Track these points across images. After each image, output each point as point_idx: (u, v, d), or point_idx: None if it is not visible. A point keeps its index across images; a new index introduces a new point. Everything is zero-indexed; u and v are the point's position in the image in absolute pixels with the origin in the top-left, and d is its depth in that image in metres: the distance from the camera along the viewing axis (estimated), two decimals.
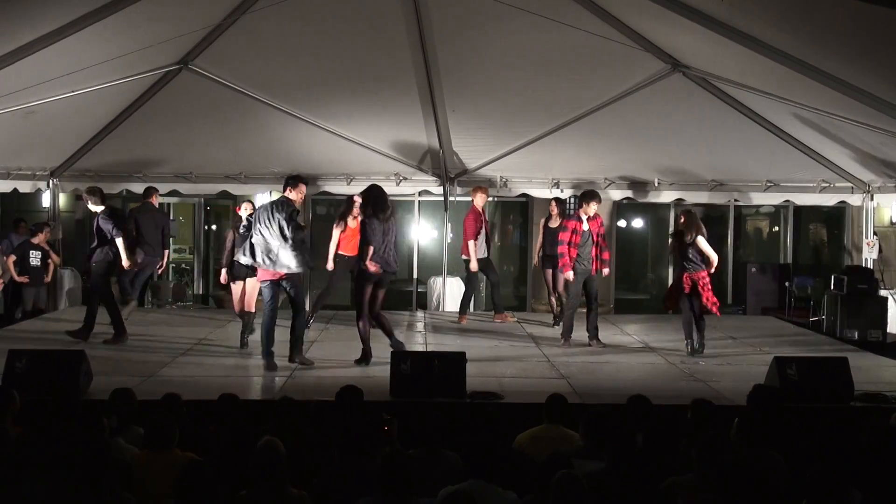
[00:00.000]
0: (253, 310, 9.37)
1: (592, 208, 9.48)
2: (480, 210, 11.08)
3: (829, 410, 6.76)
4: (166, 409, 5.39)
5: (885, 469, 4.59)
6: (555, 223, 11.07)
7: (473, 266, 10.91)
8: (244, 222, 9.10)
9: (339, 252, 10.08)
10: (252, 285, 9.16)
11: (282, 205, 8.12)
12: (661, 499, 4.25)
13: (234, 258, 8.86)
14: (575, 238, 9.35)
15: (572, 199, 12.80)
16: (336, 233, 10.12)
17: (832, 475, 3.93)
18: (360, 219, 9.09)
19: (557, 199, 11.44)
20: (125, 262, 9.39)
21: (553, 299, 11.31)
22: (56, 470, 4.17)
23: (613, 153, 12.06)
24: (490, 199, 13.91)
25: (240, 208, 9.55)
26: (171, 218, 15.70)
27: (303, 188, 8.34)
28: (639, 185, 12.49)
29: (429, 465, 4.69)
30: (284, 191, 8.31)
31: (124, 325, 9.44)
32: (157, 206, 11.17)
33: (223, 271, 9.37)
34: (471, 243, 10.81)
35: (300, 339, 8.35)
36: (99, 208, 9.43)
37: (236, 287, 9.40)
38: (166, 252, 10.99)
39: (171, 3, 8.85)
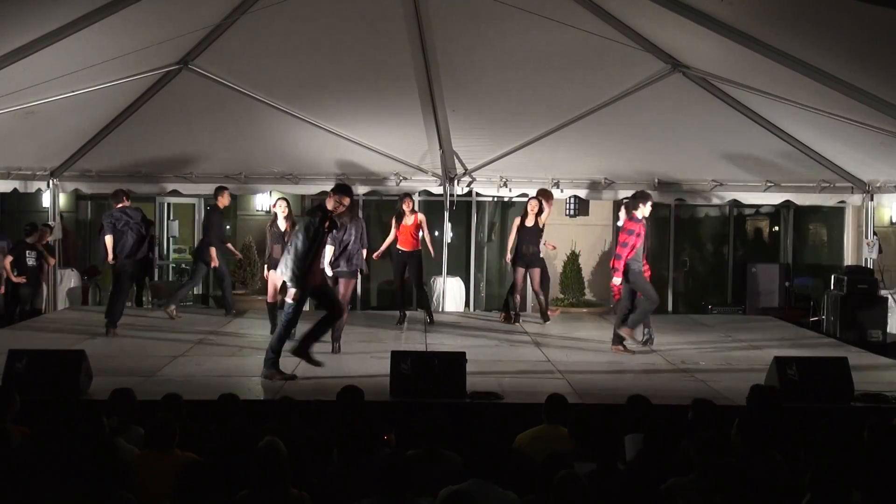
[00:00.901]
0: (274, 300, 9.77)
1: (648, 208, 9.34)
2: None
3: (829, 411, 6.76)
4: (167, 409, 5.39)
5: (886, 470, 4.59)
6: (531, 222, 11.04)
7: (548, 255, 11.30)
8: (279, 221, 9.73)
9: (397, 247, 10.82)
10: (273, 277, 9.63)
11: (310, 212, 8.11)
12: (661, 500, 4.24)
13: (272, 254, 9.60)
14: (638, 242, 9.12)
15: (572, 199, 12.81)
16: (393, 230, 10.79)
17: (832, 475, 3.94)
18: (417, 216, 10.67)
19: (536, 198, 11.42)
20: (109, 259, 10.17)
21: (517, 298, 11.32)
22: (65, 472, 4.16)
23: (613, 153, 12.06)
24: (490, 199, 13.99)
25: (275, 205, 9.95)
26: (173, 218, 15.80)
27: (341, 198, 7.90)
28: (638, 185, 12.47)
29: (429, 465, 4.69)
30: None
31: (117, 318, 10.00)
32: (221, 206, 11.35)
33: (265, 269, 9.94)
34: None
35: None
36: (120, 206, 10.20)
37: (271, 277, 9.74)
38: (220, 248, 11.32)
39: (172, 3, 8.85)
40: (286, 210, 9.81)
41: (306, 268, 7.62)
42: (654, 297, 9.24)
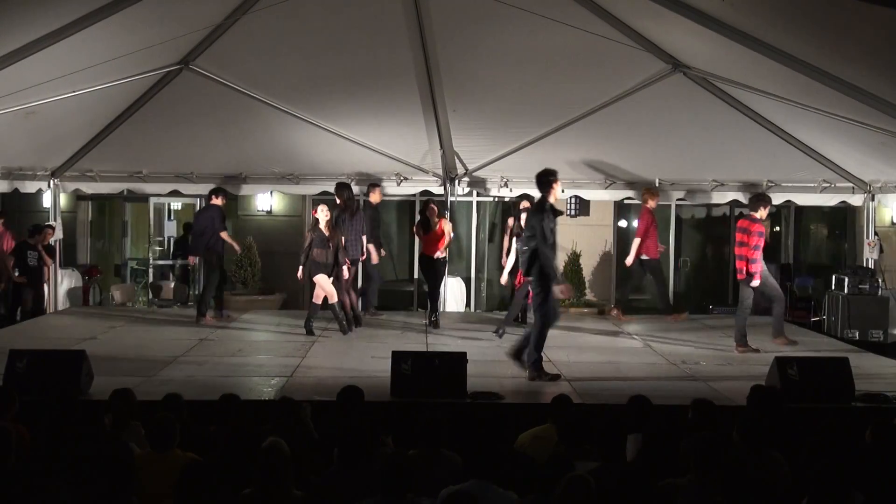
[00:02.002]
0: (335, 299, 10.02)
1: (768, 210, 9.48)
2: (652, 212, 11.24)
3: (829, 411, 6.76)
4: (167, 409, 5.39)
5: (887, 469, 4.59)
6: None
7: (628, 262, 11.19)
8: (321, 224, 9.84)
9: (427, 253, 10.83)
10: (324, 280, 9.92)
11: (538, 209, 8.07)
12: (658, 498, 4.24)
13: (311, 257, 9.85)
14: (762, 242, 9.21)
15: (573, 199, 12.79)
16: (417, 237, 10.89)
17: (833, 476, 3.93)
18: (442, 221, 10.69)
19: (528, 197, 11.31)
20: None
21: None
22: (79, 474, 4.15)
23: (614, 153, 12.05)
24: (491, 199, 13.99)
25: (316, 211, 10.06)
26: (171, 218, 15.81)
27: (553, 189, 8.00)
28: (639, 185, 12.47)
29: (429, 465, 4.69)
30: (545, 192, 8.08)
31: (205, 310, 10.89)
32: (375, 202, 11.36)
33: (300, 269, 10.02)
34: (637, 241, 11.02)
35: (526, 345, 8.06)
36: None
37: (320, 280, 9.93)
38: (369, 248, 11.08)
39: (172, 3, 8.85)
40: (328, 215, 9.92)
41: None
42: (781, 296, 9.52)
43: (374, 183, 11.58)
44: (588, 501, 3.79)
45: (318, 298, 10.11)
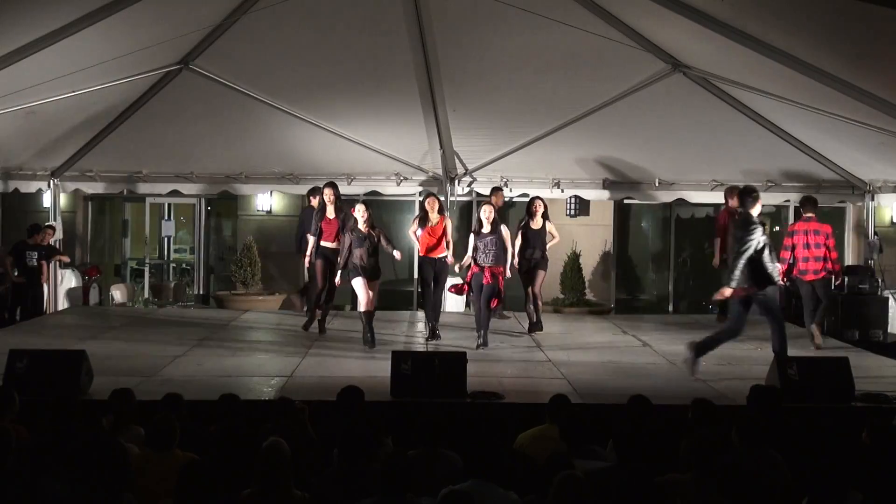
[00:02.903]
0: (372, 308, 9.37)
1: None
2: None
3: (829, 410, 6.76)
4: (167, 409, 5.38)
5: (887, 470, 4.59)
6: (537, 224, 10.36)
7: (716, 262, 11.11)
8: (360, 225, 9.26)
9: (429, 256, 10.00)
10: (359, 284, 9.27)
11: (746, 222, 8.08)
12: (658, 494, 4.24)
13: (350, 259, 9.24)
14: None
15: (573, 199, 12.80)
16: (417, 234, 10.13)
17: (832, 475, 3.93)
18: (443, 219, 9.92)
19: (540, 198, 11.06)
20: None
21: (531, 304, 10.56)
22: (74, 472, 4.16)
23: (613, 153, 12.06)
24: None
25: (354, 210, 9.47)
26: (170, 218, 15.81)
27: (739, 197, 8.25)
28: (639, 185, 12.48)
29: (429, 465, 4.69)
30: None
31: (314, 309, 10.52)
32: (497, 205, 10.82)
33: (339, 273, 9.50)
34: (718, 241, 10.87)
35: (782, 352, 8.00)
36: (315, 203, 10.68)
37: (356, 284, 9.36)
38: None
39: (172, 3, 8.86)
40: (366, 215, 9.29)
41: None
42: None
43: (497, 187, 11.43)
44: (581, 500, 3.79)
45: (368, 304, 9.30)
